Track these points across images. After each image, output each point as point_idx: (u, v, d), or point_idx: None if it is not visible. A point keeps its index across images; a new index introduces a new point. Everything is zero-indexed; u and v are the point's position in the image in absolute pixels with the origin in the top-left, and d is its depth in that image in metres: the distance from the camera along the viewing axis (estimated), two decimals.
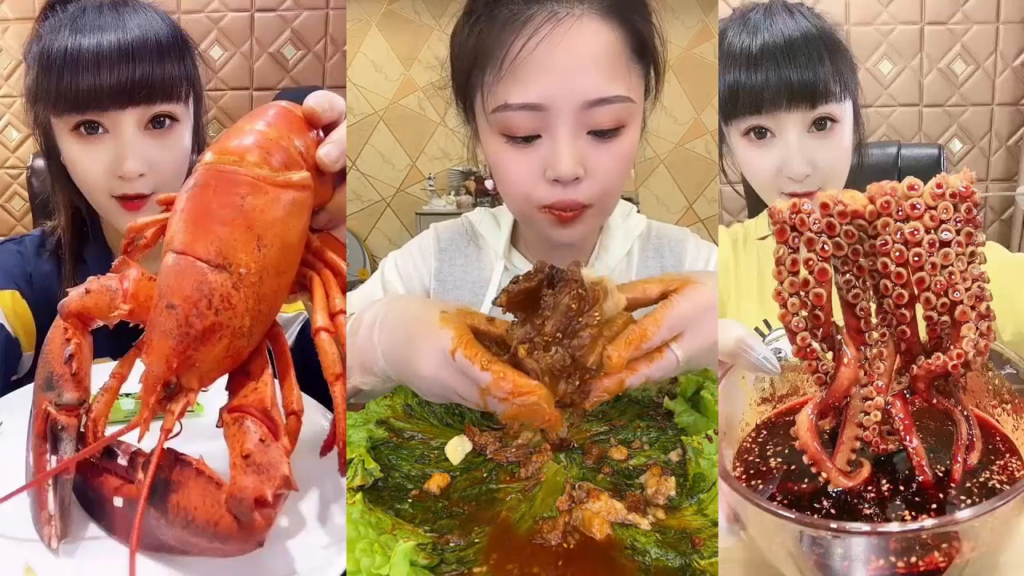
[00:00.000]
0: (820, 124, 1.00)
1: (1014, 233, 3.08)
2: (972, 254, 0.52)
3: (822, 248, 0.53)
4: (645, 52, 0.84)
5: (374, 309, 0.73)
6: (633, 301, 0.65)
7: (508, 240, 1.01)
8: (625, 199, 1.07)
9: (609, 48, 0.79)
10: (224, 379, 0.58)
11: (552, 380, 0.60)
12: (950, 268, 0.51)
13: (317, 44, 3.21)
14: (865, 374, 0.55)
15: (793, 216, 0.53)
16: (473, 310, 0.68)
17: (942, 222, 0.51)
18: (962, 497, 0.53)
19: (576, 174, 0.80)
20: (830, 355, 0.56)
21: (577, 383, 0.60)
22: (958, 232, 0.51)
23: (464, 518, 0.63)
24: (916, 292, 0.53)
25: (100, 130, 0.91)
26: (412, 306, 0.72)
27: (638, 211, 1.07)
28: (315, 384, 0.62)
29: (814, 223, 0.53)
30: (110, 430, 0.57)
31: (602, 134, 0.81)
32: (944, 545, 0.48)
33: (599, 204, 0.85)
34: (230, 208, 0.56)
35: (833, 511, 0.53)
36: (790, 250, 0.53)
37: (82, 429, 0.57)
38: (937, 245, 0.51)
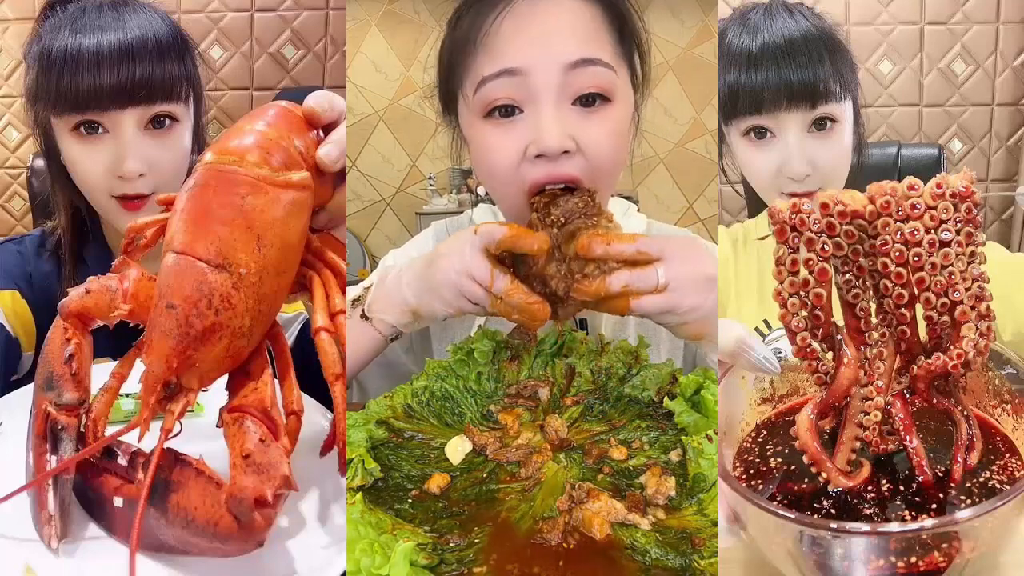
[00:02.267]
0: (820, 124, 1.00)
1: (1014, 233, 3.08)
2: (972, 254, 0.52)
3: (822, 248, 0.53)
4: (625, 31, 0.82)
5: (398, 265, 0.85)
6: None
7: None
8: (625, 198, 1.07)
9: (586, 18, 0.79)
10: (224, 379, 0.58)
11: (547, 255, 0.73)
12: (950, 268, 0.51)
13: (317, 44, 3.21)
14: (865, 374, 0.55)
15: (793, 216, 0.53)
16: None
17: (942, 222, 0.51)
18: (962, 497, 0.53)
19: (564, 146, 0.76)
20: (830, 355, 0.56)
21: (564, 269, 0.72)
22: (958, 232, 0.51)
23: (464, 518, 0.63)
24: (916, 292, 0.53)
25: (100, 130, 0.91)
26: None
27: (637, 210, 1.07)
28: (315, 384, 0.62)
29: (814, 223, 0.53)
30: (110, 430, 0.57)
31: (589, 103, 0.78)
32: (944, 545, 0.48)
33: (591, 183, 0.78)
34: (230, 208, 0.56)
35: (833, 511, 0.53)
36: (790, 250, 0.53)
37: (82, 429, 0.57)
38: (937, 245, 0.51)
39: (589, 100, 0.78)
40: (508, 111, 0.79)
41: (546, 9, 0.78)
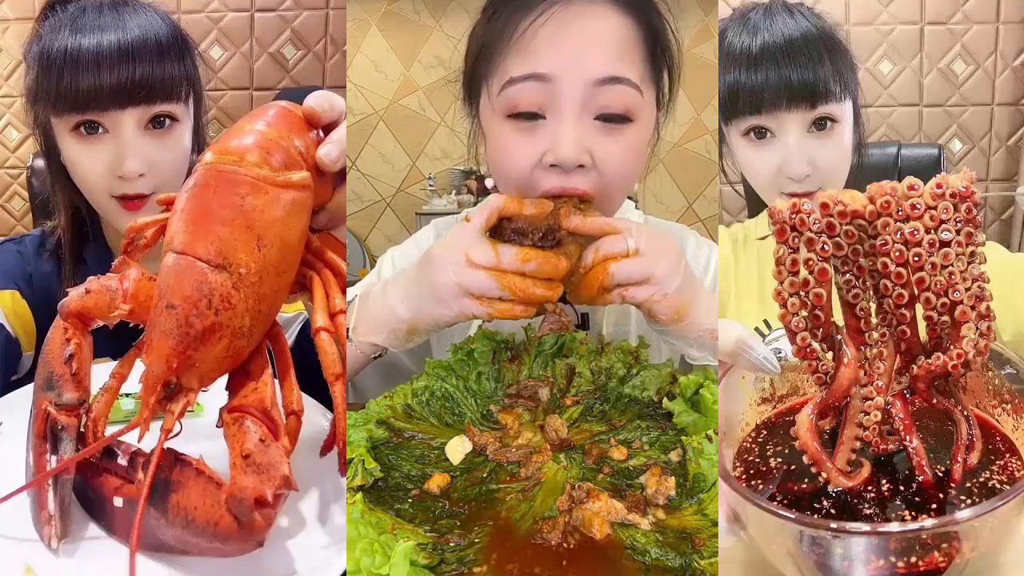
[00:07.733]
0: (820, 124, 1.00)
1: (1014, 233, 3.08)
2: (972, 254, 0.52)
3: (822, 248, 0.53)
4: (657, 50, 0.82)
5: (381, 282, 0.82)
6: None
7: None
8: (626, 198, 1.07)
9: (621, 33, 0.79)
10: (224, 379, 0.58)
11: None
12: (950, 268, 0.51)
13: (317, 44, 3.21)
14: (865, 374, 0.55)
15: (793, 216, 0.53)
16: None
17: (942, 222, 0.51)
18: (962, 497, 0.53)
19: (579, 160, 0.77)
20: (830, 355, 0.56)
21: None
22: (958, 232, 0.51)
23: (464, 518, 0.63)
24: (916, 292, 0.53)
25: (100, 130, 0.91)
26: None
27: (635, 207, 1.07)
28: (315, 384, 0.62)
29: (814, 223, 0.53)
30: (110, 430, 0.57)
31: (610, 119, 0.78)
32: (944, 545, 0.48)
33: (602, 198, 0.80)
34: (230, 208, 0.56)
35: (833, 511, 0.53)
36: (790, 250, 0.53)
37: (82, 429, 0.57)
38: (937, 245, 0.51)
39: (611, 117, 0.78)
40: (531, 115, 0.79)
41: (583, 18, 0.78)
